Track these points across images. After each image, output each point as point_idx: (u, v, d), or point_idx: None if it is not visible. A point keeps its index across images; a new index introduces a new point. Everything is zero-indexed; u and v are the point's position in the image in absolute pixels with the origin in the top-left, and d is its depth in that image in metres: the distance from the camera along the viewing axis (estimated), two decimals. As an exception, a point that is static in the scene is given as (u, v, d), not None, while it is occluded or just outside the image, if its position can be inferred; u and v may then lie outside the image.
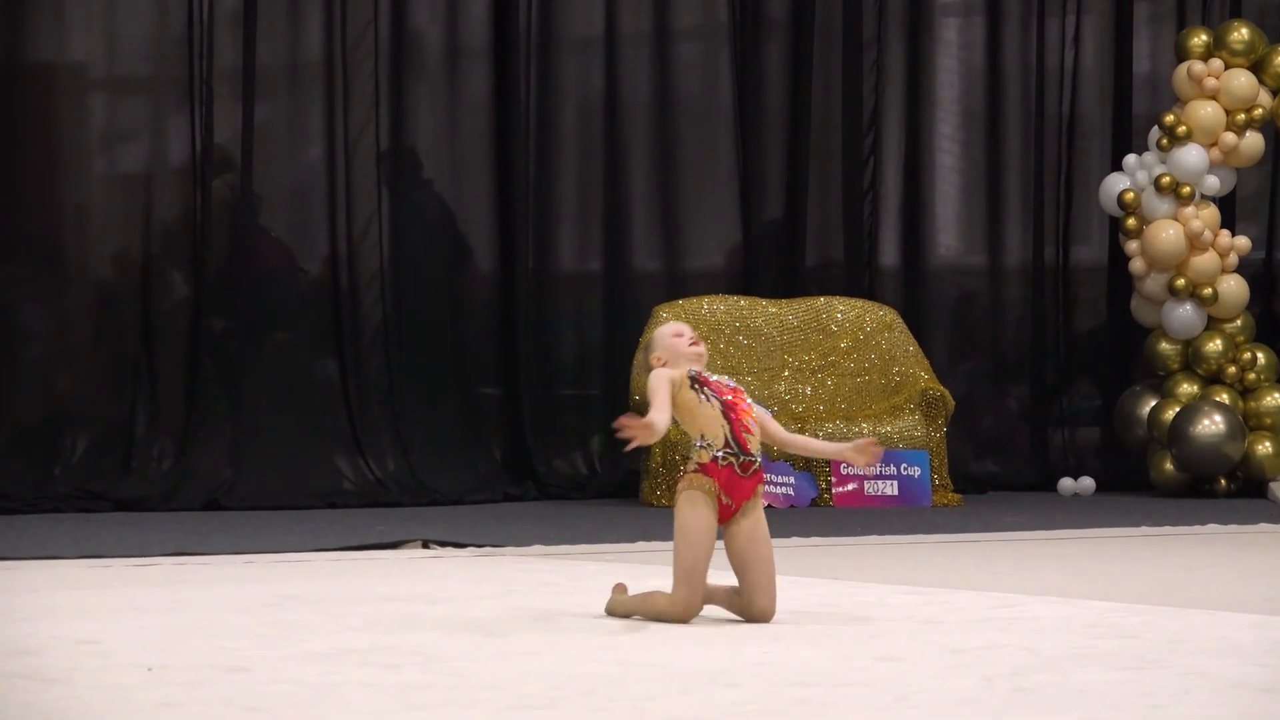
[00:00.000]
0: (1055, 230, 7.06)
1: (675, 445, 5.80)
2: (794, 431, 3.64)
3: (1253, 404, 6.61)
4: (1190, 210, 6.60)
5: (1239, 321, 6.70)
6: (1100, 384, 7.12)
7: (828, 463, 5.98)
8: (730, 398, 3.04)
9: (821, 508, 5.92)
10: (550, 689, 2.34)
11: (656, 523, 4.99)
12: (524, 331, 6.32)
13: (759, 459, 3.04)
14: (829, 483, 5.98)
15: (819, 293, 6.61)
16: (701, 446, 3.03)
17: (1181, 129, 6.58)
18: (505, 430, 6.32)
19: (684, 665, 2.56)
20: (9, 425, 5.72)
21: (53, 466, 5.72)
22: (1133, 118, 7.03)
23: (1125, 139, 7.00)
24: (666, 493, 5.79)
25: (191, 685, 2.36)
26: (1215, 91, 6.62)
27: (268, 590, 3.54)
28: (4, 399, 5.72)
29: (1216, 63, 6.63)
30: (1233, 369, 6.60)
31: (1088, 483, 6.75)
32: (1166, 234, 6.57)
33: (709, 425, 3.02)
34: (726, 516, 3.04)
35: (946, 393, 6.18)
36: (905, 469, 5.98)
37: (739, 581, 3.04)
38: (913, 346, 6.42)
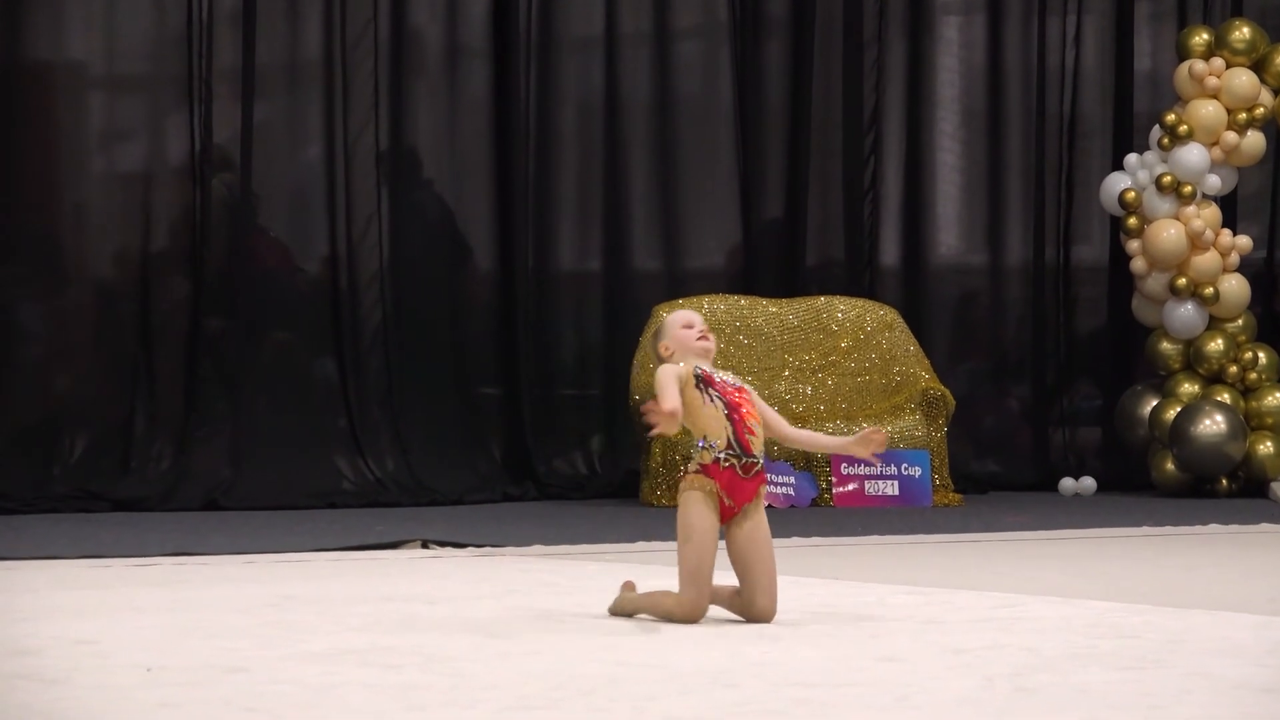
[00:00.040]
0: (1056, 229, 7.06)
1: (675, 445, 5.80)
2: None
3: (1254, 404, 6.60)
4: (1191, 209, 6.59)
5: (1240, 321, 6.69)
6: (1101, 384, 7.12)
7: (828, 463, 5.97)
8: (734, 398, 3.03)
9: (822, 508, 5.91)
10: (550, 689, 2.34)
11: (657, 523, 4.99)
12: (524, 331, 6.31)
13: (761, 460, 3.03)
14: (829, 483, 5.98)
15: (819, 292, 6.60)
16: (704, 447, 3.02)
17: (1183, 128, 6.57)
18: (505, 430, 6.31)
19: (684, 665, 2.56)
20: (8, 425, 5.71)
21: (51, 466, 5.71)
22: (1134, 117, 7.02)
23: (1126, 138, 6.99)
24: (667, 493, 5.78)
25: (190, 686, 2.36)
26: (1216, 90, 6.61)
27: (267, 590, 3.53)
28: (3, 399, 5.72)
29: (1218, 62, 6.62)
30: (1234, 369, 6.59)
31: (1089, 483, 6.74)
32: (1168, 233, 6.57)
33: (712, 426, 3.01)
34: (728, 517, 3.03)
35: (947, 392, 6.18)
36: (906, 469, 5.98)
37: (740, 582, 3.03)
38: (913, 346, 6.41)
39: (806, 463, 5.97)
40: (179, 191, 5.93)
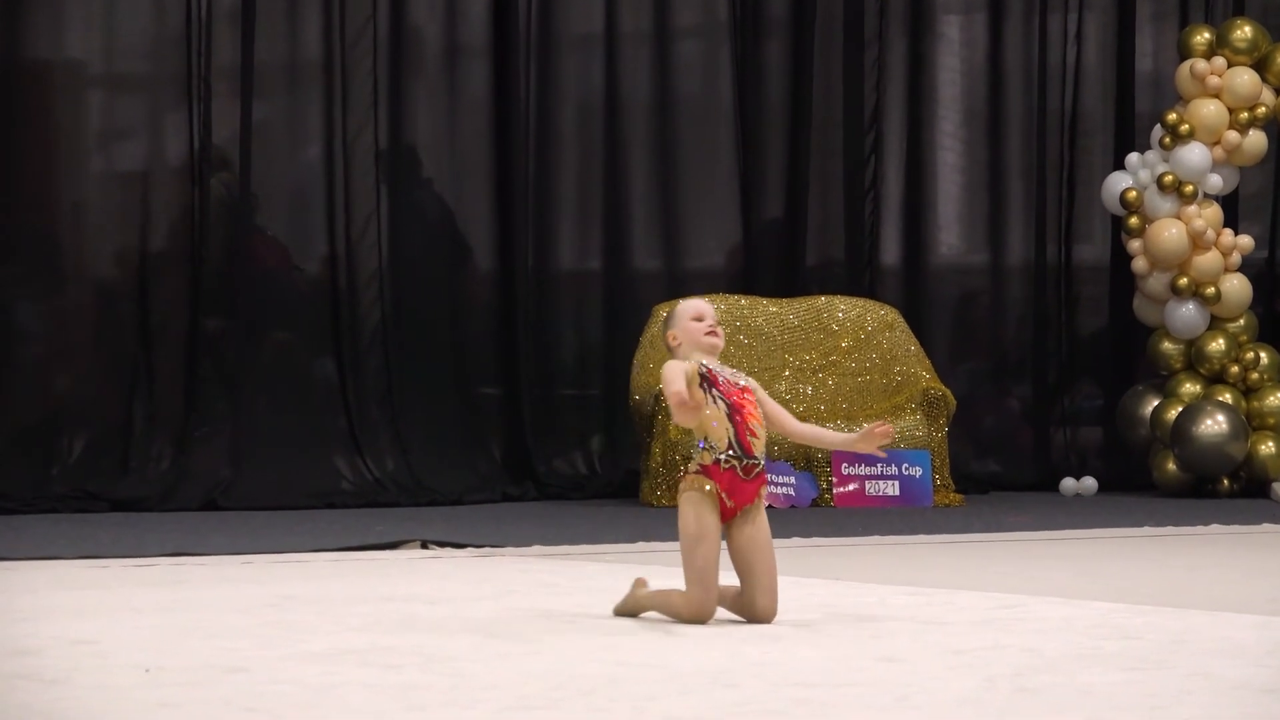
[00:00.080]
0: (1057, 229, 7.05)
1: (676, 445, 5.79)
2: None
3: (1255, 404, 6.59)
4: (1193, 209, 6.58)
5: (1242, 321, 6.68)
6: (1102, 383, 7.11)
7: (829, 462, 5.97)
8: (737, 399, 3.01)
9: (822, 508, 5.90)
10: (550, 689, 2.33)
11: (657, 523, 4.99)
12: (523, 331, 6.30)
13: (763, 462, 3.02)
14: (830, 483, 5.97)
15: (820, 292, 6.60)
16: (704, 448, 3.01)
17: (1184, 127, 6.56)
18: (505, 430, 6.30)
19: (684, 665, 2.55)
20: (6, 425, 5.71)
21: (50, 466, 5.71)
22: (1135, 116, 7.02)
23: (1128, 137, 6.98)
24: (667, 493, 5.77)
25: (190, 686, 2.35)
26: (1218, 90, 6.60)
27: (266, 590, 3.53)
28: (2, 398, 5.71)
29: (1219, 61, 6.61)
30: (1235, 369, 6.58)
31: (1090, 483, 6.73)
32: (1169, 233, 6.56)
33: (713, 427, 3.00)
34: (728, 518, 3.03)
35: (948, 392, 6.17)
36: (907, 469, 5.97)
37: (740, 582, 3.03)
38: (914, 346, 6.40)
39: (807, 463, 5.97)
40: (178, 191, 5.92)
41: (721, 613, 3.04)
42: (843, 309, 6.43)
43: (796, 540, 4.64)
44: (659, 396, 5.85)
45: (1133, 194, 6.64)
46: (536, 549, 4.43)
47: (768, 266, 6.69)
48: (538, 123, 6.36)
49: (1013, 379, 7.13)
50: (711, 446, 3.01)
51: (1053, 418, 7.02)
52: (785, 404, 6.17)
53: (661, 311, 6.22)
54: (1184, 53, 6.72)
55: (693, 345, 3.07)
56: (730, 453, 2.99)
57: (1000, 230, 7.03)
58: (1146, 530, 5.16)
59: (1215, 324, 6.65)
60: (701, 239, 6.65)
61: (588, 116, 6.48)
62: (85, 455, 5.76)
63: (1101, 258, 7.10)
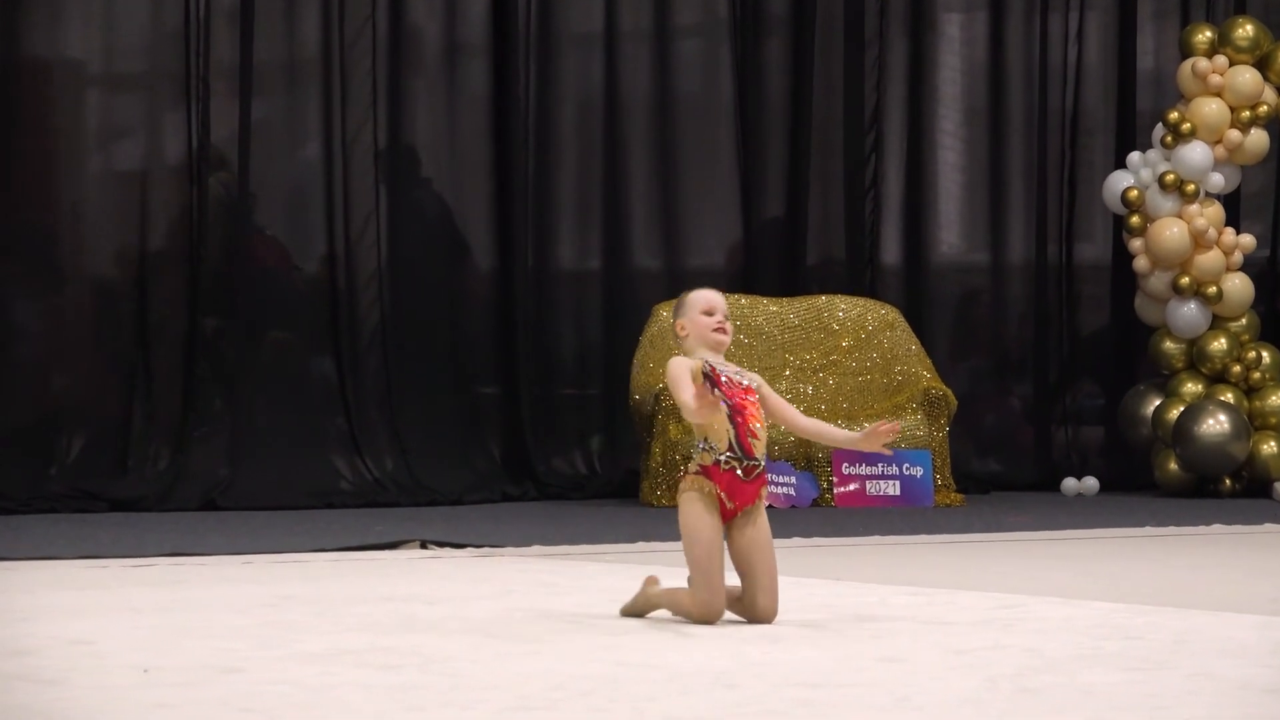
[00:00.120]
0: (1058, 228, 7.04)
1: (676, 445, 5.78)
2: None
3: (1258, 403, 6.58)
4: (1195, 208, 6.57)
5: (1244, 320, 6.67)
6: (1104, 383, 7.10)
7: (829, 462, 5.96)
8: (740, 400, 2.99)
9: (823, 508, 5.89)
10: (549, 689, 2.32)
11: (656, 523, 4.98)
12: (523, 330, 6.29)
13: (763, 463, 3.01)
14: (830, 483, 5.96)
15: (820, 291, 6.59)
16: (704, 449, 3.00)
17: (1186, 126, 6.55)
18: (504, 430, 6.30)
19: (684, 666, 2.55)
20: (5, 424, 5.69)
21: (48, 466, 5.70)
22: (1137, 114, 7.00)
23: (1129, 136, 6.97)
24: (666, 493, 5.76)
25: (187, 686, 2.35)
26: (1220, 88, 6.59)
27: (265, 591, 3.52)
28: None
29: (1221, 59, 6.60)
30: (1237, 368, 6.57)
31: (1091, 482, 6.72)
32: (1171, 232, 6.54)
33: (714, 428, 2.99)
34: (728, 519, 3.02)
35: (949, 392, 6.16)
36: (907, 469, 5.96)
37: (741, 582, 3.02)
38: (915, 345, 6.39)
39: (807, 462, 5.96)
40: (176, 189, 5.91)
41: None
42: (843, 308, 6.42)
43: (797, 540, 4.63)
44: (659, 396, 5.84)
45: (1134, 193, 6.62)
46: (536, 549, 4.43)
47: (768, 265, 6.68)
48: (537, 122, 6.35)
49: (1014, 378, 7.12)
50: (711, 447, 3.00)
51: (1054, 417, 7.01)
52: (786, 404, 6.16)
53: (662, 311, 6.21)
54: (1185, 51, 6.71)
55: (699, 340, 3.05)
56: (730, 454, 2.98)
57: (1001, 229, 7.02)
58: (1148, 530, 5.15)
59: (1217, 323, 6.64)
60: (701, 238, 6.64)
61: (587, 115, 6.47)
62: (83, 455, 5.75)
63: (1103, 257, 7.09)
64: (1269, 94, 6.63)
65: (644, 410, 5.95)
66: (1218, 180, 6.60)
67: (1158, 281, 6.65)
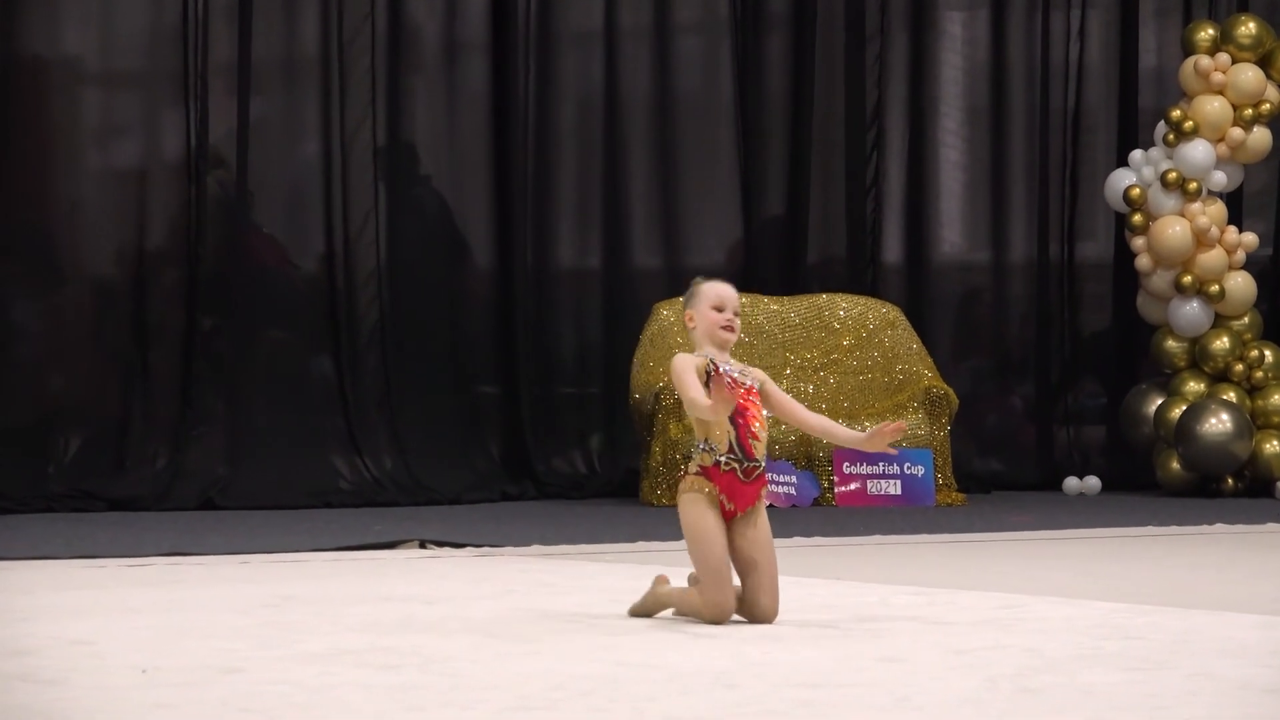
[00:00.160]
0: (1060, 226, 7.02)
1: (676, 444, 5.77)
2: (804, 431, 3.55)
3: (1260, 402, 6.57)
4: (1197, 206, 6.56)
5: (1246, 319, 6.66)
6: (1106, 382, 7.08)
7: (830, 462, 5.95)
8: (742, 401, 2.98)
9: (824, 507, 5.88)
10: (549, 689, 2.32)
11: (656, 522, 4.97)
12: (522, 329, 6.28)
13: (763, 464, 3.00)
14: (831, 482, 5.95)
15: (821, 290, 6.57)
16: (704, 449, 2.99)
17: (1188, 124, 6.54)
18: (503, 429, 6.29)
19: (684, 666, 2.54)
20: (2, 424, 5.68)
21: (46, 465, 5.69)
22: (1139, 113, 6.99)
23: (1131, 134, 6.95)
24: (666, 492, 5.75)
25: (186, 686, 2.34)
26: (1222, 86, 6.58)
27: (263, 591, 3.52)
28: (-3, 397, 5.71)
29: (1223, 57, 6.59)
30: (1240, 367, 6.56)
31: (1093, 482, 6.71)
32: (1173, 230, 6.53)
33: (714, 429, 2.98)
34: (728, 519, 3.01)
35: (950, 391, 6.14)
36: (908, 468, 5.95)
37: (741, 582, 3.01)
38: (916, 344, 6.38)
39: (808, 462, 5.95)
40: (175, 188, 5.90)
41: (722, 613, 3.03)
42: (844, 307, 6.41)
43: (798, 540, 4.62)
44: (659, 395, 5.83)
45: (1136, 191, 6.61)
46: (535, 548, 4.42)
47: (769, 264, 6.66)
48: (537, 119, 6.34)
49: (1015, 377, 7.11)
50: (712, 448, 2.99)
51: (1056, 416, 7.00)
52: (786, 403, 6.14)
53: (662, 309, 6.20)
54: (1188, 49, 6.69)
55: (705, 335, 3.04)
56: (731, 455, 2.97)
57: (1003, 228, 7.00)
58: (1150, 530, 5.15)
59: (1219, 322, 6.62)
60: (702, 236, 6.63)
61: (587, 113, 6.46)
62: (81, 454, 5.74)
63: (1105, 255, 7.08)
64: (1271, 92, 6.61)
65: (644, 409, 5.93)
66: (1220, 178, 6.58)
67: (1160, 280, 6.63)
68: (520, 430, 6.26)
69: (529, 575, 3.85)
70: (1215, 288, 6.55)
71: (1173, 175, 6.55)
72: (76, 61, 5.93)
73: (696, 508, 2.97)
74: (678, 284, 6.49)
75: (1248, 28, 6.63)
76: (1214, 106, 6.55)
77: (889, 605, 3.26)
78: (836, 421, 3.16)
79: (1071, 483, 6.72)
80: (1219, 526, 5.19)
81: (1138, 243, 6.64)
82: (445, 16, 6.28)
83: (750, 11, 6.63)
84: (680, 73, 6.58)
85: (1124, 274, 6.92)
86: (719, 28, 6.64)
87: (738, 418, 2.98)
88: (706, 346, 3.04)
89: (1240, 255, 6.63)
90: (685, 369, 2.97)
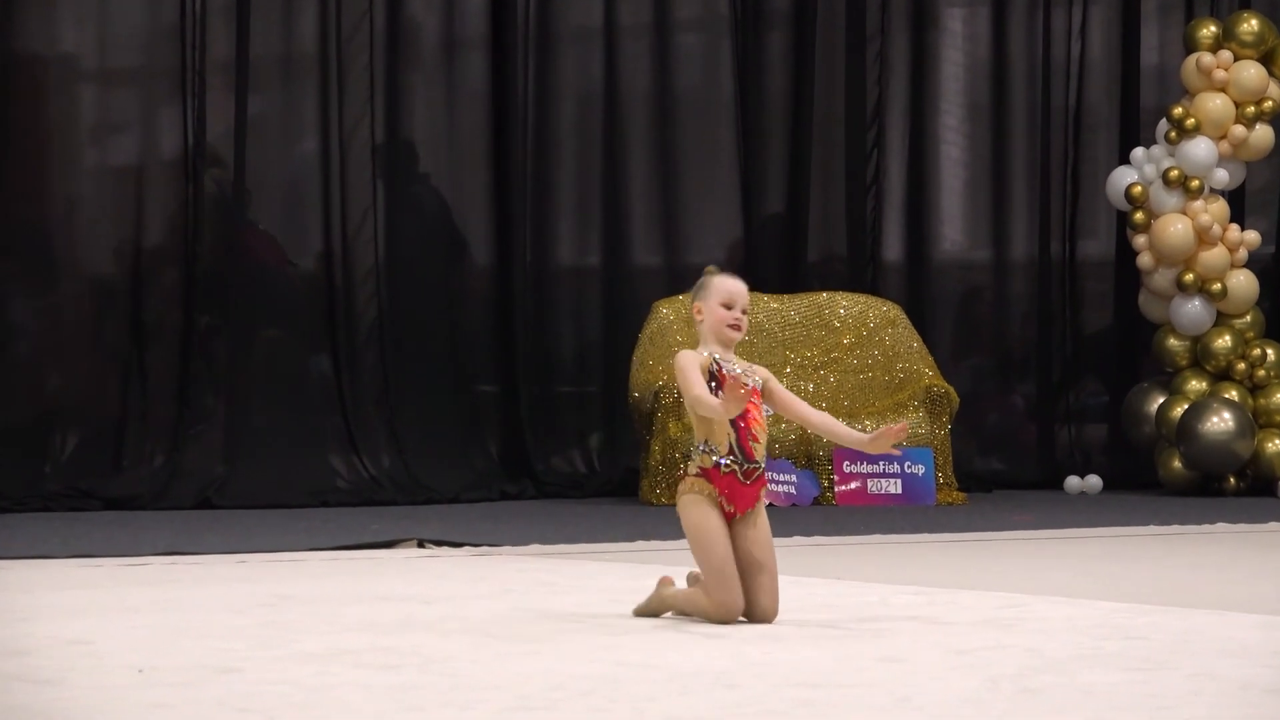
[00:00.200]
0: (1062, 224, 7.01)
1: (675, 443, 5.76)
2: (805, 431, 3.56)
3: (1262, 401, 6.56)
4: (1199, 204, 6.54)
5: (1248, 317, 6.65)
6: (1107, 381, 7.07)
7: (830, 460, 5.93)
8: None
9: (824, 506, 5.87)
10: (549, 689, 2.31)
11: (656, 521, 4.96)
12: (521, 327, 6.28)
13: (763, 465, 2.99)
14: (831, 481, 5.94)
15: (821, 288, 6.56)
16: (705, 451, 2.98)
17: (1190, 122, 6.53)
18: (502, 427, 6.28)
19: (684, 666, 2.53)
20: (-2, 422, 5.70)
21: (43, 464, 5.68)
22: (1140, 110, 6.98)
23: (1133, 132, 6.94)
24: (666, 491, 5.74)
25: (183, 686, 2.34)
26: (1224, 84, 6.56)
27: (261, 590, 3.51)
28: (-7, 395, 5.70)
29: (1226, 54, 6.57)
30: (1242, 365, 6.55)
31: (1095, 481, 6.70)
32: (1175, 228, 6.52)
33: (715, 430, 2.97)
34: (728, 520, 3.00)
35: (951, 389, 6.13)
36: (909, 467, 5.94)
37: (741, 582, 2.99)
38: (916, 342, 6.37)
39: (808, 461, 5.93)
40: (172, 186, 5.89)
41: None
42: (844, 305, 6.40)
43: (798, 539, 4.61)
44: (659, 393, 5.82)
45: (1138, 189, 6.60)
46: (535, 548, 4.41)
47: (769, 262, 6.65)
48: (536, 117, 6.33)
49: (1016, 376, 7.10)
50: (712, 450, 2.97)
51: (1057, 415, 6.99)
52: (786, 402, 6.13)
53: (662, 308, 6.19)
54: (1190, 46, 6.68)
55: (711, 331, 3.02)
56: (731, 457, 2.96)
57: (1004, 226, 6.99)
58: (1151, 529, 5.14)
59: (1221, 320, 6.61)
60: (702, 234, 6.62)
61: (587, 111, 6.45)
62: (78, 453, 5.74)
63: (1106, 253, 7.06)
64: (1274, 89, 6.60)
65: (643, 408, 5.92)
66: (1222, 176, 6.57)
67: (1161, 278, 6.62)
68: (519, 429, 6.25)
69: (528, 575, 3.84)
70: (1217, 286, 6.54)
71: (1174, 173, 6.53)
72: (74, 59, 5.92)
73: (698, 508, 2.96)
74: (677, 282, 6.49)
75: (1250, 25, 6.61)
76: (1216, 104, 6.54)
77: (889, 605, 3.25)
78: (836, 419, 3.14)
79: (1073, 482, 6.71)
80: (1221, 526, 5.19)
81: (1139, 241, 6.63)
82: (444, 13, 6.27)
83: (750, 9, 6.61)
84: (680, 70, 6.57)
85: (1125, 272, 6.91)
86: (719, 25, 6.63)
87: (739, 420, 2.96)
88: (711, 342, 3.02)
89: (1242, 253, 6.62)
90: (690, 366, 2.96)
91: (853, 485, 5.95)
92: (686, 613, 3.00)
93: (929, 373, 6.24)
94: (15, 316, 5.85)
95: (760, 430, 2.98)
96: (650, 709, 2.17)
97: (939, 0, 6.93)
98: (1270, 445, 6.47)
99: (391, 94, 6.14)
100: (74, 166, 5.91)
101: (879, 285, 6.74)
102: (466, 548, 4.39)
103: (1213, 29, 6.67)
